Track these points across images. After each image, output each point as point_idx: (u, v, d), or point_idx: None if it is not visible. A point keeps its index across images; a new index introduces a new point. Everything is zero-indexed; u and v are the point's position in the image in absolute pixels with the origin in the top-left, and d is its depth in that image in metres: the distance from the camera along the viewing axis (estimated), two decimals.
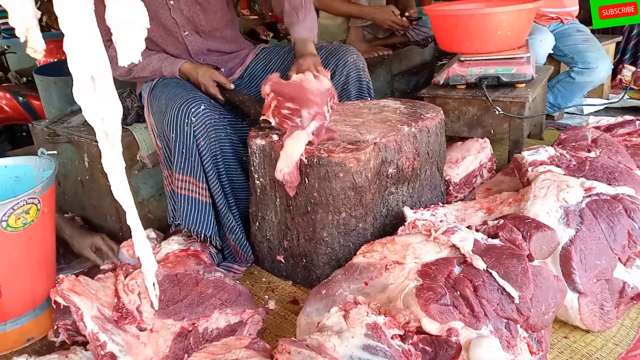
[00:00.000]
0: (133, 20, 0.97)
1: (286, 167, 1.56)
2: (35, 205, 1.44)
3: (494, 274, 1.27)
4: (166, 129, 1.69)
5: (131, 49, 0.97)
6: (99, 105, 0.95)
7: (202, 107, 1.67)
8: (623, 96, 2.87)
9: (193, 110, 1.65)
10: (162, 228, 2.08)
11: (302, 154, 1.54)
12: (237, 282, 1.68)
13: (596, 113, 3.17)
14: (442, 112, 1.84)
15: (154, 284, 1.18)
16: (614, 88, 3.53)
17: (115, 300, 1.45)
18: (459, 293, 1.24)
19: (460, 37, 2.28)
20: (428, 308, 1.19)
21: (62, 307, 1.41)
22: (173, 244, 1.77)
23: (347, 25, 3.11)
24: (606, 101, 3.25)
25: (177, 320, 1.46)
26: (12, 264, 1.46)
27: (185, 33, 1.91)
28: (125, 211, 1.07)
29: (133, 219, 1.07)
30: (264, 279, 1.83)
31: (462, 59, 2.33)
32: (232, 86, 1.86)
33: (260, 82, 2.03)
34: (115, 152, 1.00)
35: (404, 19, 2.93)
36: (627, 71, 3.62)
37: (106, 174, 1.97)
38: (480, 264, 1.29)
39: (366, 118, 1.78)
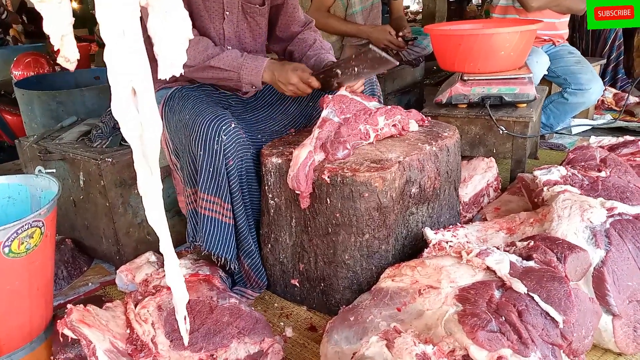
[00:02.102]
0: (176, 31, 0.89)
1: (292, 171, 1.52)
2: (40, 228, 1.32)
3: (536, 297, 1.23)
4: (193, 145, 1.61)
5: (173, 61, 0.90)
6: (139, 121, 0.87)
7: (233, 125, 1.60)
8: (617, 119, 2.94)
9: (224, 128, 1.58)
10: None
11: (311, 165, 1.52)
12: (252, 308, 1.59)
13: (583, 133, 3.24)
14: (457, 131, 1.82)
15: (185, 317, 1.08)
16: (597, 109, 3.63)
17: (128, 331, 1.34)
18: (504, 319, 1.18)
19: (464, 56, 2.28)
20: (475, 335, 1.13)
21: (70, 340, 1.28)
22: (181, 269, 1.66)
23: (341, 44, 3.09)
24: (594, 122, 3.33)
25: (195, 352, 1.36)
26: (11, 293, 1.33)
27: (229, 47, 1.85)
28: (159, 237, 0.97)
29: (167, 246, 0.98)
30: (276, 305, 1.74)
31: (464, 78, 2.33)
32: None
33: (273, 101, 1.97)
34: (154, 175, 0.91)
35: (400, 39, 2.93)
36: (609, 93, 3.74)
37: (106, 193, 1.86)
38: (521, 287, 1.25)
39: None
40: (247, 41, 1.92)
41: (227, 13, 1.83)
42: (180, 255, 2.03)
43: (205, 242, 1.62)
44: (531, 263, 1.36)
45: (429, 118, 1.91)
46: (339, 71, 1.72)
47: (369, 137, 1.67)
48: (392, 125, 1.73)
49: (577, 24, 4.15)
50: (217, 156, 1.57)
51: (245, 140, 1.65)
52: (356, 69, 1.70)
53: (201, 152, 1.58)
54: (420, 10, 7.42)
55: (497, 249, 1.47)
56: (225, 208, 1.61)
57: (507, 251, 1.46)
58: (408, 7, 11.78)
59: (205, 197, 1.60)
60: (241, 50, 1.83)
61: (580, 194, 1.72)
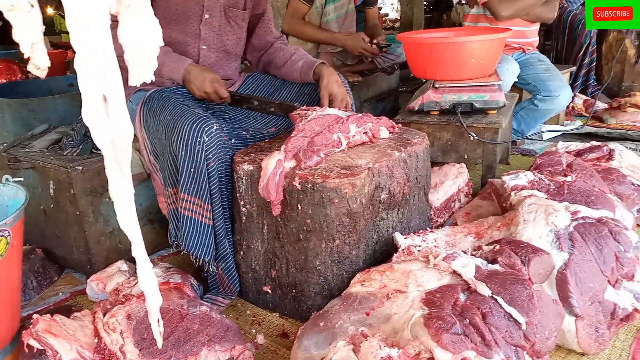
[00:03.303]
0: (146, 38, 0.90)
1: (262, 180, 1.54)
2: (5, 238, 1.31)
3: (500, 300, 1.25)
4: (174, 146, 1.61)
5: (143, 68, 0.90)
6: (110, 127, 0.87)
7: (215, 127, 1.61)
8: (585, 124, 3.01)
9: (207, 129, 1.59)
10: (133, 259, 1.94)
11: (281, 174, 1.53)
12: (224, 316, 1.59)
13: (554, 139, 3.32)
14: (427, 137, 1.85)
15: (158, 320, 1.08)
16: (567, 115, 3.71)
17: (96, 340, 1.33)
18: (468, 321, 1.21)
19: (435, 64, 2.32)
20: (440, 338, 1.15)
21: (35, 350, 1.26)
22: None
23: (316, 51, 3.11)
24: (564, 127, 3.41)
25: None
26: None
27: (204, 47, 1.93)
28: (132, 242, 0.97)
29: (140, 251, 0.98)
30: (248, 312, 1.74)
31: (436, 85, 2.37)
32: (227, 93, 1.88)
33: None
34: (126, 178, 0.92)
35: (374, 46, 2.97)
36: (579, 100, 3.83)
37: (76, 202, 1.84)
38: (485, 290, 1.27)
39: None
40: (229, 43, 2.01)
41: (207, 15, 1.90)
42: (152, 263, 2.02)
43: (185, 242, 1.63)
44: (496, 266, 1.39)
45: (400, 125, 1.94)
46: (256, 102, 1.92)
47: (341, 144, 1.69)
48: (363, 133, 1.76)
49: (552, 30, 4.25)
50: (198, 157, 1.58)
51: (226, 142, 1.67)
52: (272, 109, 1.91)
53: (183, 153, 1.59)
54: (399, 18, 7.52)
55: (465, 253, 1.50)
56: (206, 209, 1.62)
57: (474, 255, 1.49)
58: (387, 14, 11.91)
59: (186, 197, 1.61)
60: (219, 51, 1.95)
61: (546, 199, 1.76)
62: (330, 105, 1.89)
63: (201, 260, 1.65)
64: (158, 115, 1.71)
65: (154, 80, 0.90)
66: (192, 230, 1.63)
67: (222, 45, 1.98)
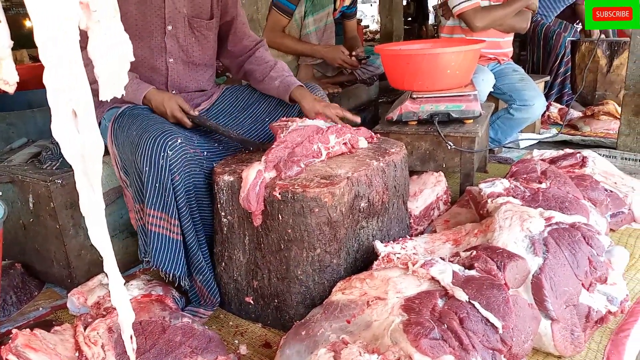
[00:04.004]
0: (116, 53, 0.91)
1: (243, 192, 1.55)
2: None
3: (477, 305, 1.28)
4: (139, 161, 1.61)
5: (114, 83, 0.92)
6: (80, 142, 0.88)
7: (179, 140, 1.61)
8: (559, 132, 3.09)
9: (170, 143, 1.59)
10: None
11: (262, 184, 1.55)
12: (206, 327, 1.59)
13: (530, 147, 3.39)
14: (404, 146, 1.89)
15: (131, 337, 1.08)
16: (543, 124, 3.80)
17: (77, 354, 1.32)
18: (446, 326, 1.23)
19: (412, 75, 2.37)
20: (419, 343, 1.18)
21: None
22: (133, 290, 1.66)
23: (297, 63, 3.15)
24: (540, 136, 3.49)
25: None
26: None
27: (171, 60, 1.91)
28: (103, 257, 0.98)
29: (111, 265, 0.98)
30: (231, 323, 1.75)
31: (414, 96, 2.42)
32: (196, 113, 1.85)
33: (227, 115, 2.02)
34: (96, 193, 0.92)
35: (353, 58, 3.02)
36: (554, 108, 3.93)
37: (56, 215, 1.84)
38: (462, 295, 1.30)
39: None
40: (195, 55, 1.97)
41: (170, 27, 1.87)
42: (134, 276, 2.02)
43: (154, 259, 1.62)
44: (473, 272, 1.42)
45: (378, 135, 1.97)
46: (214, 127, 1.87)
47: (321, 155, 1.72)
48: (343, 144, 1.79)
49: (527, 41, 4.35)
50: (162, 172, 1.58)
51: (193, 155, 1.67)
52: (231, 136, 1.88)
53: (147, 168, 1.58)
54: (379, 30, 7.63)
55: (443, 259, 1.53)
56: (173, 224, 1.62)
57: (452, 261, 1.52)
58: (367, 26, 12.06)
59: (152, 213, 1.61)
60: (186, 63, 1.93)
61: (521, 205, 1.80)
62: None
63: (171, 275, 1.65)
64: (126, 132, 1.70)
65: (124, 95, 0.92)
66: (160, 245, 1.63)
67: (188, 57, 1.95)
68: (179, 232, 1.63)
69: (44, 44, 0.84)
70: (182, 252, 1.65)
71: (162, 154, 1.57)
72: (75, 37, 0.85)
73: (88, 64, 0.88)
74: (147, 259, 1.68)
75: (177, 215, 1.62)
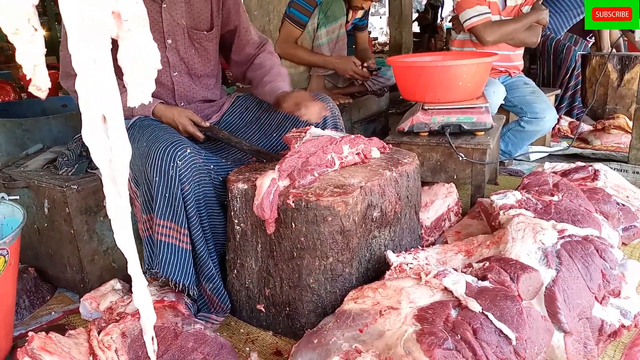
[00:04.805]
0: (145, 61, 0.94)
1: (256, 199, 1.56)
2: (4, 257, 1.32)
3: (490, 316, 1.28)
4: (149, 172, 1.62)
5: (142, 90, 0.94)
6: (109, 147, 0.90)
7: (188, 150, 1.63)
8: (570, 146, 3.09)
9: (179, 153, 1.60)
10: (127, 278, 1.95)
11: (275, 192, 1.56)
12: (218, 334, 1.59)
13: (541, 159, 3.39)
14: (417, 157, 1.89)
15: (152, 338, 1.09)
16: (553, 137, 3.80)
17: (91, 358, 1.33)
18: (459, 337, 1.23)
19: (424, 87, 2.39)
20: (432, 353, 1.18)
21: None
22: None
23: (308, 74, 3.17)
24: (551, 149, 3.48)
25: None
26: None
27: (175, 74, 1.91)
28: (127, 260, 1.00)
29: (135, 268, 1.00)
30: (242, 330, 1.75)
31: (425, 107, 2.43)
32: (208, 124, 1.86)
33: (236, 128, 2.03)
34: (122, 197, 0.94)
35: (364, 69, 3.04)
36: (564, 122, 3.92)
37: (71, 221, 1.86)
38: (475, 306, 1.30)
39: None
40: (196, 67, 1.96)
41: (170, 41, 1.86)
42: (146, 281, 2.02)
43: (162, 269, 1.62)
44: (486, 283, 1.42)
45: (390, 145, 1.98)
46: (226, 138, 1.87)
47: (334, 164, 1.73)
48: (356, 154, 1.80)
49: (537, 54, 4.36)
50: (172, 182, 1.59)
51: (202, 165, 1.68)
52: (244, 147, 1.88)
53: (157, 179, 1.59)
54: (388, 42, 7.68)
55: (455, 270, 1.53)
56: (182, 234, 1.62)
57: (465, 272, 1.52)
58: (376, 38, 12.15)
59: (162, 222, 1.61)
60: (190, 76, 1.92)
61: (533, 217, 1.81)
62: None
63: (180, 285, 1.65)
64: (136, 143, 1.71)
65: (151, 101, 0.94)
66: (169, 255, 1.63)
67: (189, 69, 1.94)
68: (188, 242, 1.64)
69: (77, 52, 0.87)
70: (191, 261, 1.66)
71: (172, 164, 1.58)
72: (107, 45, 0.88)
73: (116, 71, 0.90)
74: (153, 270, 1.68)
75: (186, 225, 1.62)
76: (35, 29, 0.84)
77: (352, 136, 1.80)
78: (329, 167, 1.71)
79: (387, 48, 8.44)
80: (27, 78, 0.87)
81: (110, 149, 0.90)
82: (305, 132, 1.77)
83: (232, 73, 2.21)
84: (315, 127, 1.86)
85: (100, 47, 0.85)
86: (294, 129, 1.85)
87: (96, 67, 0.86)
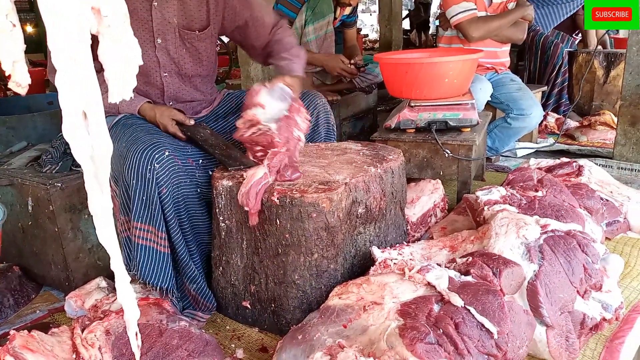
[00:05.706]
0: (126, 57, 0.93)
1: (244, 187, 1.56)
2: None
3: (472, 310, 1.29)
4: (126, 174, 1.60)
5: (123, 86, 0.93)
6: (90, 143, 0.90)
7: (167, 153, 1.61)
8: (556, 142, 3.11)
9: (157, 156, 1.58)
10: (112, 276, 1.94)
11: (264, 185, 1.56)
12: (203, 331, 1.59)
13: (527, 156, 3.41)
14: (402, 154, 1.90)
15: (136, 334, 1.09)
16: (540, 133, 3.83)
17: (74, 356, 1.32)
18: (441, 331, 1.24)
19: (411, 84, 2.39)
20: (414, 348, 1.19)
21: None
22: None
23: None
24: (537, 145, 3.51)
25: None
26: None
27: (165, 74, 1.88)
28: (110, 255, 0.99)
29: (118, 264, 1.00)
30: (228, 327, 1.75)
31: (412, 104, 2.44)
32: (192, 121, 1.83)
33: (224, 123, 2.03)
34: (105, 194, 0.94)
35: (352, 66, 3.04)
36: (551, 118, 3.95)
37: (55, 219, 1.85)
38: (458, 301, 1.31)
39: (331, 159, 1.81)
40: (187, 67, 1.92)
41: (159, 40, 1.83)
42: (130, 280, 2.02)
43: (140, 272, 1.61)
44: (469, 278, 1.43)
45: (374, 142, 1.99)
46: (203, 141, 1.79)
47: (302, 140, 1.70)
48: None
49: (525, 51, 4.39)
50: (149, 185, 1.57)
51: (180, 166, 1.66)
52: (215, 153, 1.77)
53: (134, 182, 1.58)
54: (378, 39, 7.69)
55: (439, 265, 1.54)
56: (160, 237, 1.61)
57: (448, 267, 1.53)
58: (367, 35, 12.14)
59: (139, 225, 1.60)
60: (181, 76, 1.89)
61: (517, 213, 1.82)
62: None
63: (158, 288, 1.64)
64: (117, 143, 1.68)
65: (132, 97, 0.93)
66: (147, 258, 1.62)
67: (180, 69, 1.91)
68: (166, 245, 1.62)
69: (56, 48, 0.86)
70: (170, 264, 1.65)
71: (149, 167, 1.56)
72: (87, 41, 0.87)
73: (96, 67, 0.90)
74: (132, 272, 1.66)
75: (164, 228, 1.61)
76: (14, 25, 0.83)
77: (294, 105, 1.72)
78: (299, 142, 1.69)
79: (377, 45, 8.45)
80: (7, 74, 0.86)
81: (91, 146, 0.90)
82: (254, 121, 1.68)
83: (254, 60, 2.14)
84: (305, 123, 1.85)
85: (80, 43, 0.85)
86: (241, 124, 1.70)
87: (75, 63, 0.85)
